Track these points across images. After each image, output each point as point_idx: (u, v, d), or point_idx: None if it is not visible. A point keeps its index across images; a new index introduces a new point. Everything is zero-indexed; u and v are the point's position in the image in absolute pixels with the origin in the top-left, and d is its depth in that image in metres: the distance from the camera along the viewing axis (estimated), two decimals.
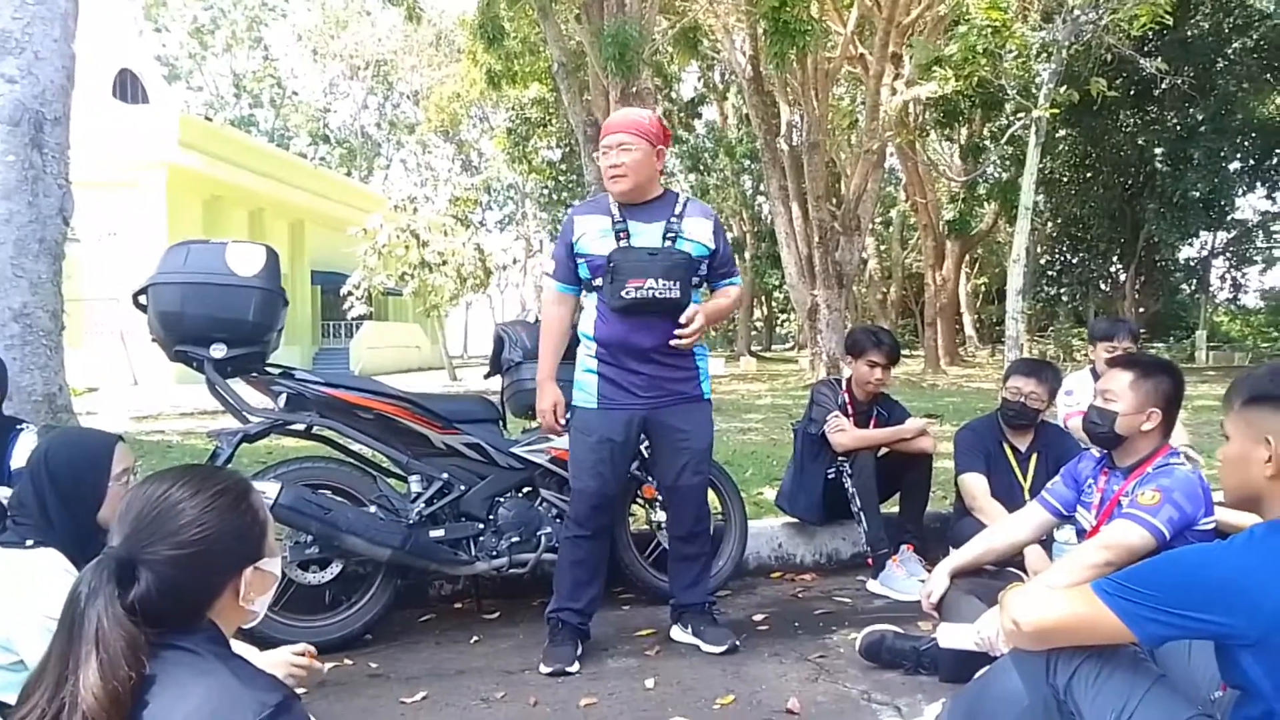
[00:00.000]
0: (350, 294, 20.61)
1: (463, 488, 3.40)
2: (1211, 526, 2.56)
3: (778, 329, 44.61)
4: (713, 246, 3.09)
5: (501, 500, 3.47)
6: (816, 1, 13.06)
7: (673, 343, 2.99)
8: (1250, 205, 24.61)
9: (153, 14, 35.63)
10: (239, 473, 1.38)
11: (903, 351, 4.47)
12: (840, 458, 3.98)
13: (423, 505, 3.32)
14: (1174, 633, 1.62)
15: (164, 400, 12.99)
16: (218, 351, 3.05)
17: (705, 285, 3.19)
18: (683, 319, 2.98)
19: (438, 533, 3.32)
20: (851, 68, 17.61)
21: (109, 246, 17.68)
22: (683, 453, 3.10)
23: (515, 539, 3.41)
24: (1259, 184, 22.31)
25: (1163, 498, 2.49)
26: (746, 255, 30.94)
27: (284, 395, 3.25)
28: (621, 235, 2.99)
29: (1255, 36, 18.12)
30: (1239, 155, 21.10)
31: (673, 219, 3.05)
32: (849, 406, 4.08)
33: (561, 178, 25.78)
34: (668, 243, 3.01)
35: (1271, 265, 30.01)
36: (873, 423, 4.09)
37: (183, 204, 19.63)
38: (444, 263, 19.86)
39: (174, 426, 9.32)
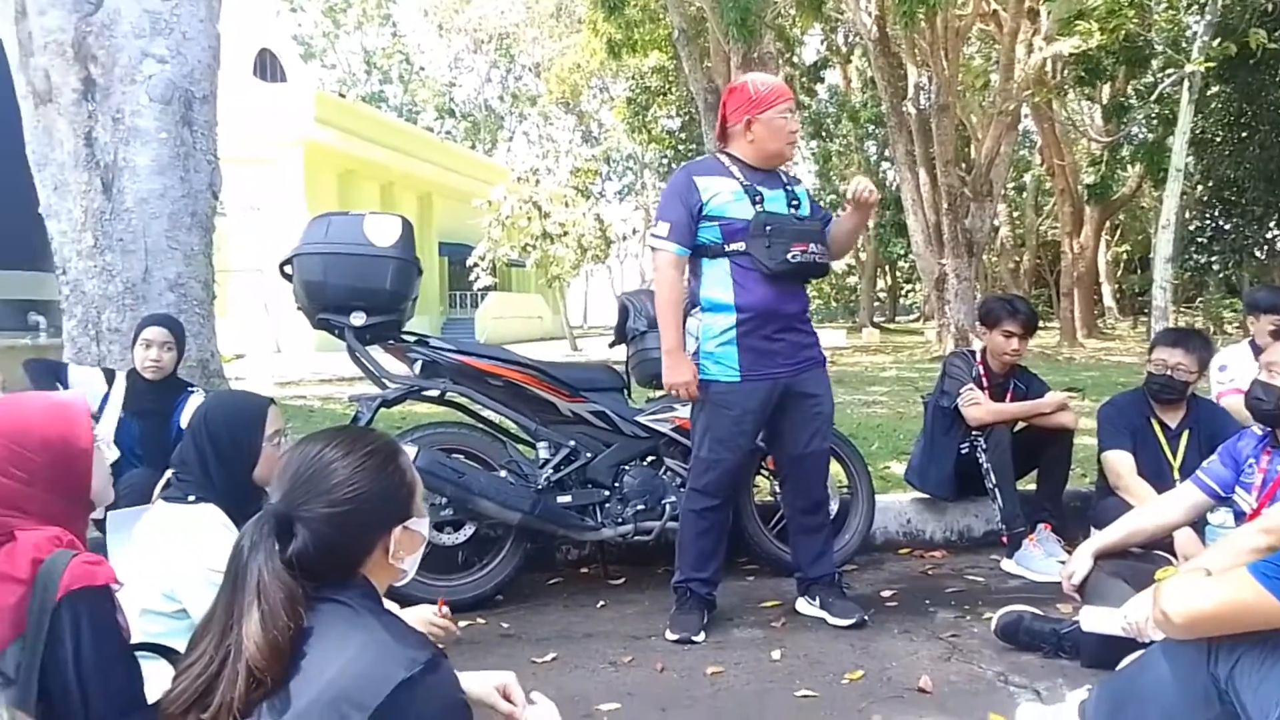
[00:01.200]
0: (476, 265, 21.12)
1: (589, 455, 3.45)
2: None
3: (902, 299, 43.46)
4: (810, 209, 3.10)
5: (627, 468, 3.50)
6: None
7: (867, 195, 2.96)
8: None
9: None
10: (389, 435, 1.43)
11: (1038, 324, 4.27)
12: (974, 432, 3.84)
13: (551, 471, 3.37)
14: None
15: (304, 367, 13.65)
16: (357, 319, 3.16)
17: None
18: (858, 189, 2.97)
19: (565, 498, 3.37)
20: (984, 25, 16.82)
21: (252, 220, 18.61)
22: (814, 418, 3.07)
23: (640, 506, 3.44)
24: None
25: None
26: (870, 224, 30.16)
27: (419, 362, 3.35)
28: (757, 200, 2.95)
29: None
30: None
31: (788, 186, 3.07)
32: (984, 379, 3.93)
33: (681, 146, 25.64)
34: (793, 208, 3.01)
35: None
36: (1009, 396, 3.93)
37: (319, 179, 20.47)
38: (565, 234, 20.11)
39: (314, 392, 9.78)
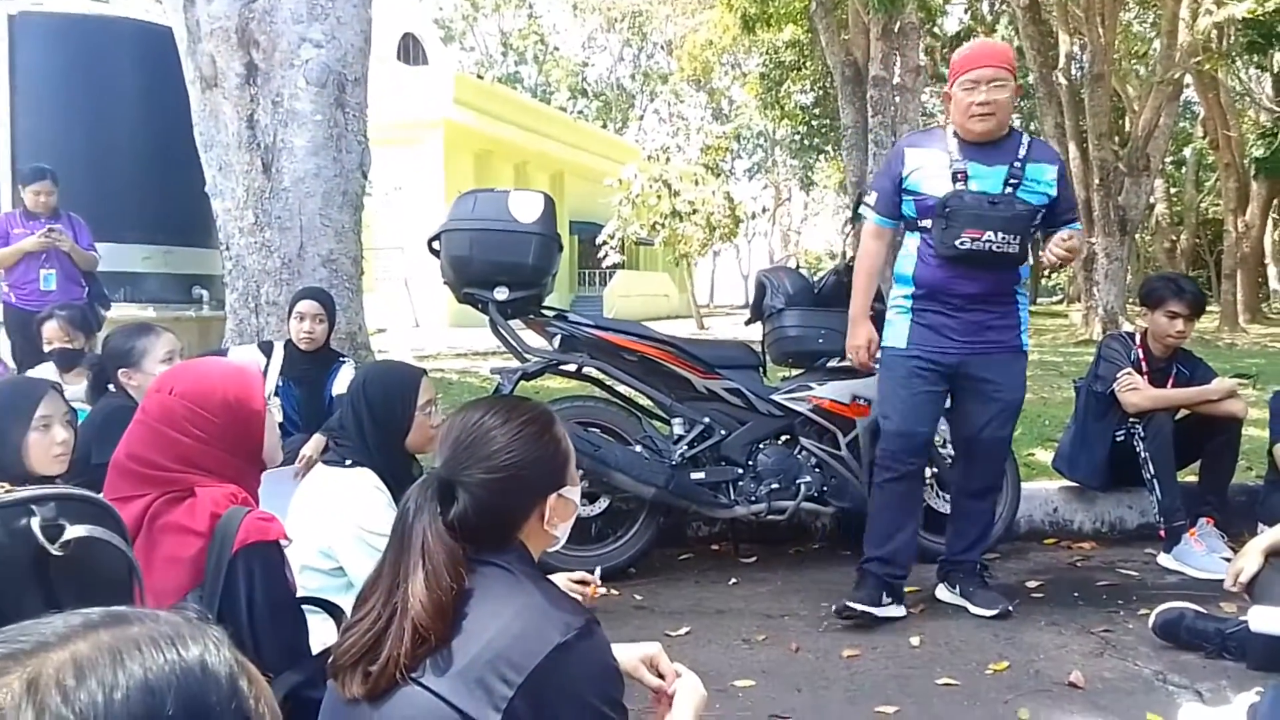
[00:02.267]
0: (605, 243, 21.33)
1: (723, 432, 3.44)
2: None
3: (1044, 280, 41.49)
4: (1054, 194, 2.90)
5: (761, 447, 3.48)
6: None
7: (1048, 256, 2.87)
8: None
9: None
10: (545, 404, 1.45)
11: (1205, 306, 3.97)
12: (1131, 419, 3.63)
13: (685, 447, 3.38)
14: None
15: (441, 341, 14.11)
16: (501, 294, 3.24)
17: (1038, 233, 2.98)
18: (1061, 237, 2.85)
19: (699, 475, 3.38)
20: None
21: (394, 200, 19.32)
22: (992, 404, 2.96)
23: (774, 486, 3.41)
24: None
25: None
26: None
27: (558, 336, 3.41)
28: (960, 176, 2.83)
29: None
30: None
31: (1015, 164, 2.87)
32: (1143, 363, 3.71)
33: (815, 122, 25.14)
34: (1009, 189, 2.83)
35: None
36: (1171, 381, 3.70)
37: (457, 159, 21.05)
38: (694, 212, 20.06)
39: (451, 365, 10.10)
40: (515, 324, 3.43)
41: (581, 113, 40.16)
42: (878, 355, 3.03)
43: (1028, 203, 2.83)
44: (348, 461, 2.18)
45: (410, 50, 26.94)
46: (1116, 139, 14.94)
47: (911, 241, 2.95)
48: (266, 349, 3.73)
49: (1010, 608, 2.94)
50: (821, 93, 23.27)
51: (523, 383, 3.57)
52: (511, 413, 1.31)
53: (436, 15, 35.88)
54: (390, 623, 1.19)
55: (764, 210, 25.59)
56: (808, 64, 22.58)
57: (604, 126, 38.05)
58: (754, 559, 3.60)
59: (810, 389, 3.48)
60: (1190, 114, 24.06)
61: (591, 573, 1.96)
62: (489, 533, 1.26)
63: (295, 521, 2.14)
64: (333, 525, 2.10)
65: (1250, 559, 2.55)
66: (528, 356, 3.41)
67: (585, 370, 3.54)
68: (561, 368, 3.54)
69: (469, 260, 3.23)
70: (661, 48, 39.72)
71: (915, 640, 2.74)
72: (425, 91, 20.87)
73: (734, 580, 3.36)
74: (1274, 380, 5.99)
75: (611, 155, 27.46)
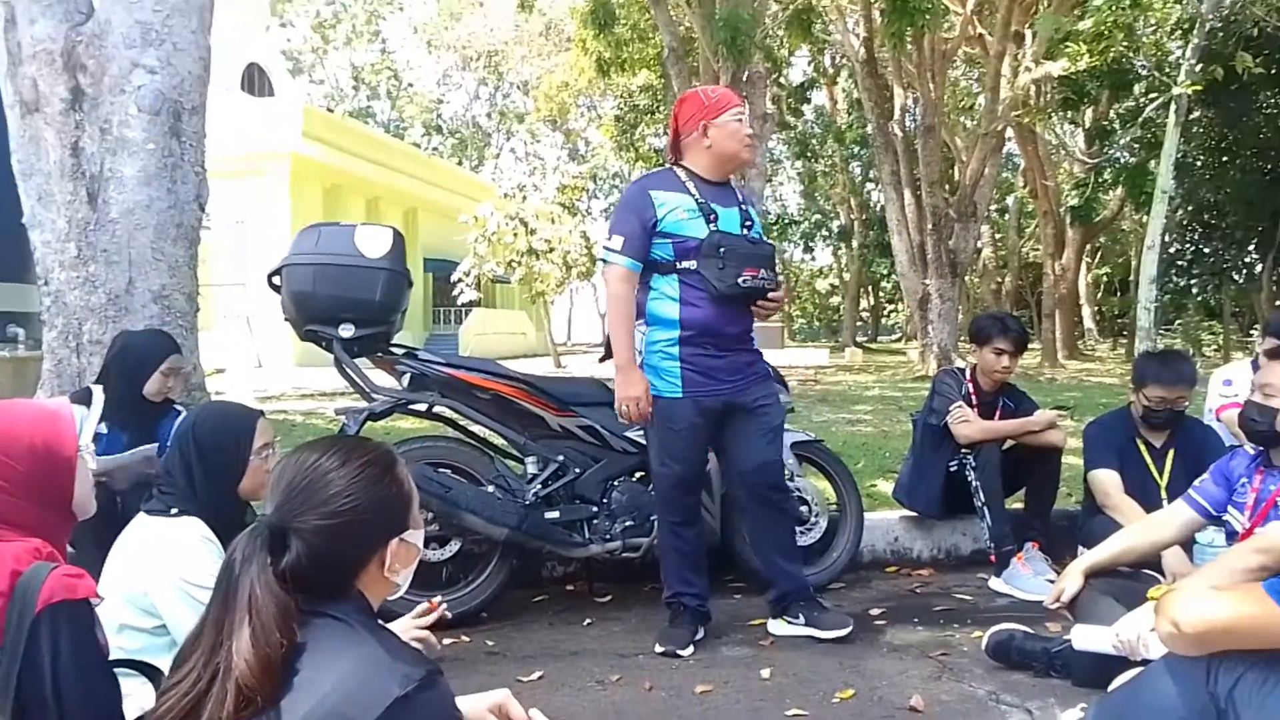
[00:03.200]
0: (460, 281, 21.09)
1: (578, 470, 3.42)
2: None
3: (884, 320, 43.67)
4: (760, 231, 3.13)
5: (615, 484, 3.47)
6: None
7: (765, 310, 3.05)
8: None
9: (279, 9, 37.05)
10: (386, 444, 1.40)
11: (1029, 343, 4.26)
12: (963, 450, 3.84)
13: (539, 486, 3.35)
14: None
15: (286, 382, 13.54)
16: (346, 331, 3.13)
17: None
18: (776, 296, 3.06)
19: (553, 514, 3.34)
20: (970, 48, 17.00)
21: (236, 234, 18.52)
22: (762, 427, 3.05)
23: (629, 523, 3.41)
24: None
25: None
26: (854, 243, 30.34)
27: (407, 375, 3.32)
28: (711, 218, 2.95)
29: None
30: None
31: (743, 205, 3.08)
32: (973, 397, 3.93)
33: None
34: (746, 229, 3.02)
35: None
36: (998, 414, 3.93)
37: (305, 193, 20.41)
38: (551, 250, 20.10)
39: (296, 406, 9.70)
40: (362, 363, 3.32)
41: (436, 149, 39.78)
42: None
43: (771, 244, 3.10)
44: (173, 510, 2.03)
45: (255, 81, 26.06)
46: (947, 187, 15.92)
47: (668, 285, 2.97)
48: (84, 397, 3.44)
49: (853, 628, 3.03)
50: None
51: (370, 423, 3.46)
52: (350, 454, 1.26)
53: (284, 47, 34.85)
54: (212, 684, 1.12)
55: (604, 250, 25.81)
56: (662, 108, 23.14)
57: (459, 164, 37.80)
58: (609, 598, 3.58)
59: None
60: (1012, 165, 25.95)
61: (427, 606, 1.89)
62: (324, 582, 1.20)
63: (113, 576, 1.98)
64: (155, 579, 1.95)
65: (1071, 580, 2.72)
66: (375, 396, 3.30)
67: (436, 410, 3.46)
68: (411, 407, 3.44)
69: (312, 296, 3.10)
70: (518, 87, 39.92)
71: (765, 673, 2.78)
72: (272, 123, 20.20)
73: (589, 620, 3.32)
74: (1090, 412, 6.46)
75: (467, 192, 27.26)
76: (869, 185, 28.03)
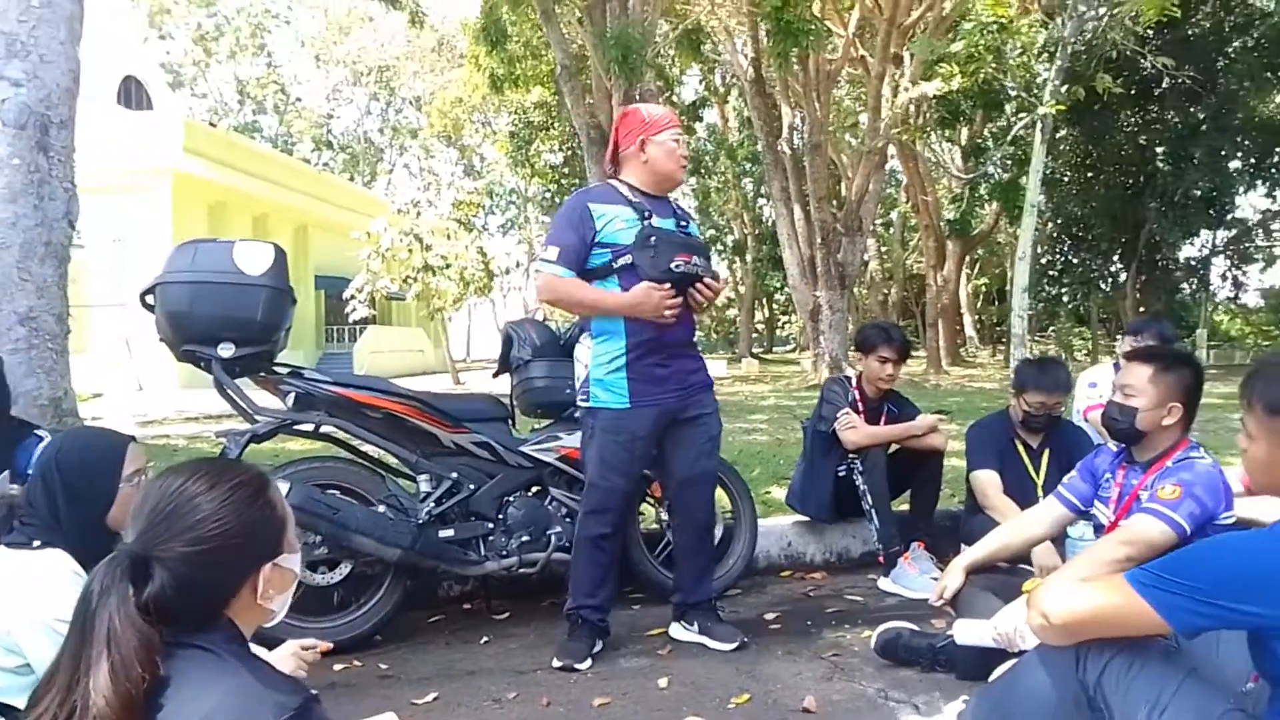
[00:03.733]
0: (353, 298, 20.63)
1: (472, 487, 3.38)
2: (1232, 520, 2.53)
3: (779, 331, 44.58)
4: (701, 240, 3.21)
5: (511, 499, 3.44)
6: (818, 2, 13.05)
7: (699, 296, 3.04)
8: (1250, 204, 24.62)
9: (157, 21, 35.69)
10: (258, 466, 1.36)
11: (911, 351, 4.44)
12: (851, 455, 3.95)
13: (432, 505, 3.29)
14: (1211, 623, 1.59)
15: (169, 405, 12.98)
16: (225, 351, 3.02)
17: None
18: (713, 283, 3.06)
19: (447, 532, 3.29)
20: (853, 69, 17.60)
21: (114, 253, 17.69)
22: (701, 440, 3.12)
23: (525, 538, 3.38)
24: (1260, 182, 22.22)
25: (1184, 492, 2.46)
26: (748, 258, 30.92)
27: (292, 395, 3.23)
28: (648, 215, 3.01)
29: (1256, 35, 18.10)
30: (1239, 154, 21.05)
31: (679, 215, 3.16)
32: (859, 403, 4.06)
33: (564, 181, 25.77)
34: (680, 229, 3.10)
35: (1272, 264, 29.88)
36: (883, 419, 4.06)
37: (188, 210, 19.66)
38: (447, 266, 19.87)
39: (179, 431, 9.31)
40: (244, 383, 3.21)
41: (327, 165, 38.91)
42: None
43: (702, 239, 3.19)
44: (35, 543, 1.92)
45: (133, 94, 24.97)
46: (834, 202, 16.40)
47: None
48: None
49: (746, 640, 3.08)
50: (570, 152, 23.95)
51: (256, 446, 3.34)
52: (218, 477, 1.21)
53: (163, 59, 33.59)
54: None
55: (518, 265, 25.75)
56: (556, 125, 23.22)
57: (351, 180, 37.02)
58: (507, 615, 3.54)
59: (559, 439, 3.50)
60: (895, 181, 26.92)
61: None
62: (191, 612, 1.15)
63: None
64: (18, 617, 1.84)
65: (952, 577, 2.82)
66: (258, 417, 3.19)
67: (324, 430, 3.37)
68: (297, 428, 3.34)
69: (188, 315, 2.98)
70: (410, 103, 39.38)
71: (663, 682, 2.79)
72: (151, 138, 19.43)
73: (486, 638, 3.28)
74: (971, 415, 6.71)
75: (359, 209, 26.71)
76: (761, 201, 28.62)
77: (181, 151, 19.57)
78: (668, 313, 2.94)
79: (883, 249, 29.79)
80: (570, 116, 14.27)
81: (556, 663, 2.92)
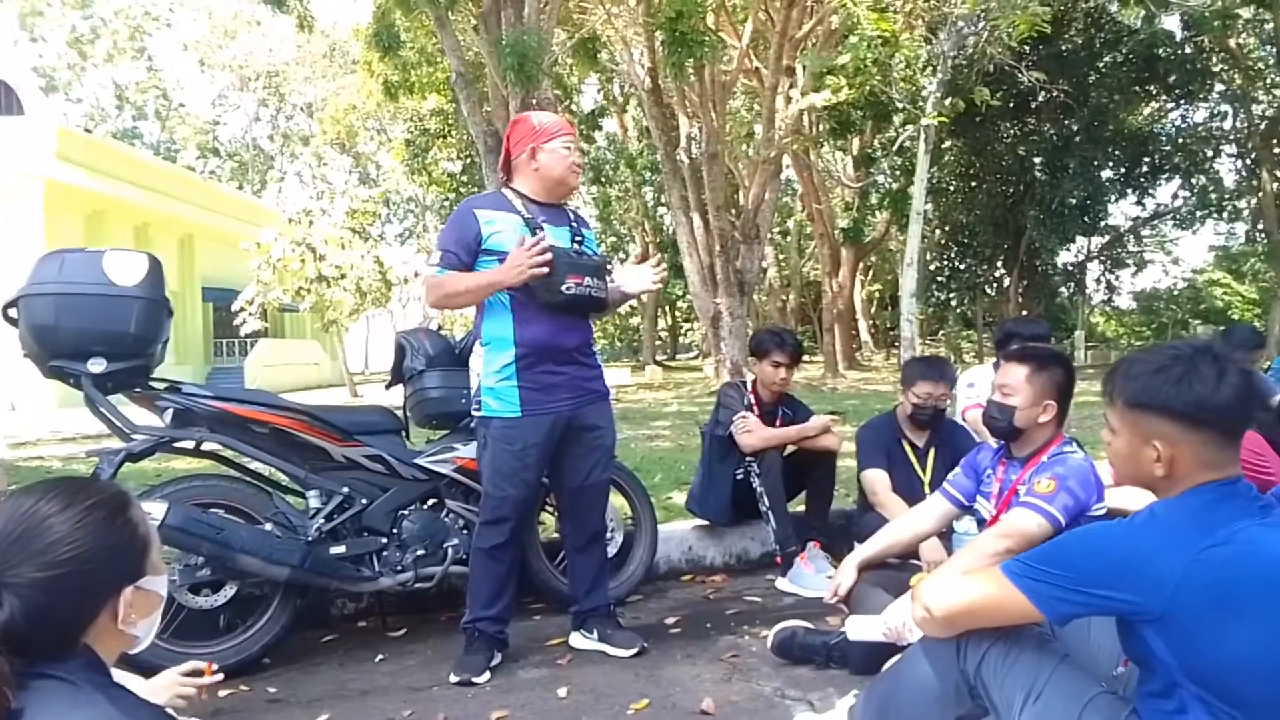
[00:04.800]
0: (244, 310, 19.94)
1: (364, 501, 3.29)
2: (1103, 511, 2.66)
3: (682, 338, 45.00)
4: (600, 254, 3.16)
5: (406, 513, 3.36)
6: (712, 14, 13.25)
7: (653, 281, 3.10)
8: (1122, 211, 25.94)
9: (28, 23, 33.88)
10: (117, 484, 1.29)
11: (803, 355, 4.57)
12: (748, 458, 4.01)
13: (322, 521, 3.19)
14: (1080, 610, 1.66)
15: (43, 425, 12.30)
16: (96, 366, 2.87)
17: None
18: (652, 264, 3.12)
19: (339, 549, 3.19)
20: (747, 80, 17.94)
21: None
22: (596, 450, 3.10)
23: (421, 552, 3.31)
24: (1130, 191, 23.54)
25: (1058, 485, 2.57)
26: None
27: (170, 411, 3.08)
28: (538, 232, 2.95)
29: (1124, 51, 19.17)
30: (1111, 164, 22.23)
31: (574, 224, 3.11)
32: (755, 407, 4.11)
33: (462, 189, 25.45)
34: (576, 244, 3.04)
35: (1142, 268, 31.81)
36: (778, 422, 4.13)
37: (62, 219, 18.71)
38: (342, 276, 19.40)
39: (54, 452, 8.83)
40: (118, 399, 3.05)
41: (213, 173, 37.59)
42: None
43: (601, 255, 3.12)
44: None
45: (1, 100, 23.61)
46: (733, 211, 16.67)
47: (498, 302, 2.95)
48: None
49: (646, 645, 3.09)
50: (469, 160, 23.69)
51: (135, 465, 3.19)
52: (74, 497, 1.15)
53: (36, 63, 31.92)
54: None
55: (416, 275, 25.24)
56: (453, 132, 22.95)
57: (240, 188, 35.82)
58: (404, 631, 3.46)
59: (455, 450, 3.44)
60: (791, 190, 27.48)
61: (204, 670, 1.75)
62: (44, 640, 1.08)
63: None
64: None
65: (846, 575, 2.88)
66: (133, 435, 3.03)
67: (205, 447, 3.23)
68: (176, 445, 3.19)
69: (54, 329, 2.82)
70: (302, 109, 38.34)
71: (563, 691, 2.77)
72: (20, 144, 18.44)
73: (381, 656, 3.20)
74: (865, 417, 6.89)
75: (248, 218, 25.86)
76: (661, 209, 28.85)
77: (54, 158, 18.64)
78: (531, 268, 2.79)
79: (780, 256, 30.40)
80: (467, 124, 14.12)
81: (453, 678, 2.87)
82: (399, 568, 3.28)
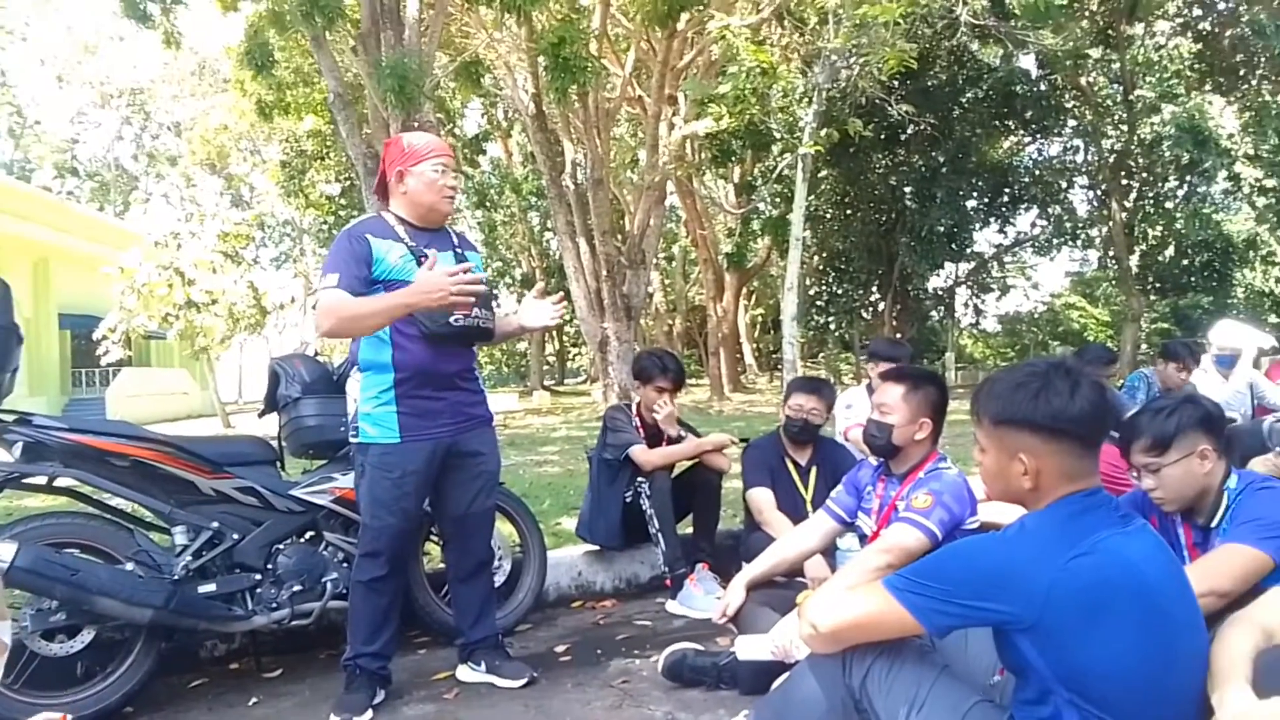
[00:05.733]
0: (106, 338, 18.88)
1: (236, 536, 3.13)
2: (976, 525, 2.76)
3: (570, 363, 44.92)
4: (484, 280, 3.04)
5: (281, 547, 3.22)
6: (595, 41, 13.38)
7: (551, 317, 3.05)
8: (986, 239, 27.28)
9: None
10: None
11: (688, 380, 4.60)
12: (639, 479, 4.00)
13: (189, 558, 3.02)
14: (958, 621, 1.71)
15: None
16: None
17: None
18: (553, 300, 3.08)
19: (208, 587, 3.02)
20: (631, 108, 18.15)
21: None
22: (479, 477, 3.03)
23: (297, 588, 3.17)
24: (993, 219, 24.78)
25: (934, 501, 2.66)
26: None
27: (20, 444, 2.87)
28: (422, 260, 2.85)
29: (985, 87, 20.22)
30: (975, 194, 23.37)
31: (458, 249, 3.03)
32: (640, 430, 4.12)
33: (341, 212, 24.82)
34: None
35: (1006, 293, 33.43)
36: (664, 444, 4.15)
37: None
38: (214, 302, 18.61)
39: None
40: None
41: (72, 193, 35.60)
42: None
43: (489, 281, 3.02)
44: None
45: None
46: (619, 236, 16.77)
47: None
48: None
49: (535, 674, 3.03)
50: (348, 183, 23.13)
51: None
52: None
53: None
54: None
55: (293, 300, 24.39)
56: (332, 154, 22.38)
57: (101, 209, 34.00)
58: (279, 671, 3.30)
59: (334, 480, 3.32)
60: (675, 216, 27.91)
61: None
62: None
63: None
64: None
65: (734, 594, 2.90)
66: None
67: (59, 482, 3.02)
68: (26, 481, 2.97)
69: None
70: (169, 128, 36.77)
71: None
72: None
73: (254, 700, 3.04)
74: (751, 438, 7.00)
75: (111, 241, 24.48)
76: (547, 234, 28.82)
77: None
78: (455, 296, 2.63)
79: (666, 281, 30.74)
80: (346, 146, 13.79)
81: (333, 718, 2.75)
82: (273, 605, 3.13)
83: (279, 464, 3.39)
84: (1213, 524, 2.35)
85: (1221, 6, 18.38)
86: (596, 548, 4.22)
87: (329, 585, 3.22)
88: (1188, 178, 19.67)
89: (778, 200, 19.68)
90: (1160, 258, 23.27)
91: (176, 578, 2.95)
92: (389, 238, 2.90)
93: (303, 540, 3.31)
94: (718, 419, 14.27)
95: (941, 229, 21.36)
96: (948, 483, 2.75)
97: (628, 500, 4.05)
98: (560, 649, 3.42)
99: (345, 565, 3.26)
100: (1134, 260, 22.13)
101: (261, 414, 3.58)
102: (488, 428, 3.10)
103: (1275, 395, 5.06)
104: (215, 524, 3.09)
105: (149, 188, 38.40)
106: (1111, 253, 22.30)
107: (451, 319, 2.83)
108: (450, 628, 3.41)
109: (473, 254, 3.09)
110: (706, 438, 4.17)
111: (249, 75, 14.22)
